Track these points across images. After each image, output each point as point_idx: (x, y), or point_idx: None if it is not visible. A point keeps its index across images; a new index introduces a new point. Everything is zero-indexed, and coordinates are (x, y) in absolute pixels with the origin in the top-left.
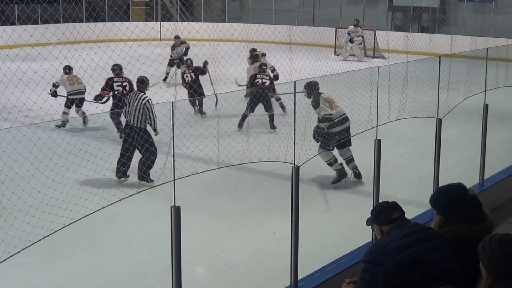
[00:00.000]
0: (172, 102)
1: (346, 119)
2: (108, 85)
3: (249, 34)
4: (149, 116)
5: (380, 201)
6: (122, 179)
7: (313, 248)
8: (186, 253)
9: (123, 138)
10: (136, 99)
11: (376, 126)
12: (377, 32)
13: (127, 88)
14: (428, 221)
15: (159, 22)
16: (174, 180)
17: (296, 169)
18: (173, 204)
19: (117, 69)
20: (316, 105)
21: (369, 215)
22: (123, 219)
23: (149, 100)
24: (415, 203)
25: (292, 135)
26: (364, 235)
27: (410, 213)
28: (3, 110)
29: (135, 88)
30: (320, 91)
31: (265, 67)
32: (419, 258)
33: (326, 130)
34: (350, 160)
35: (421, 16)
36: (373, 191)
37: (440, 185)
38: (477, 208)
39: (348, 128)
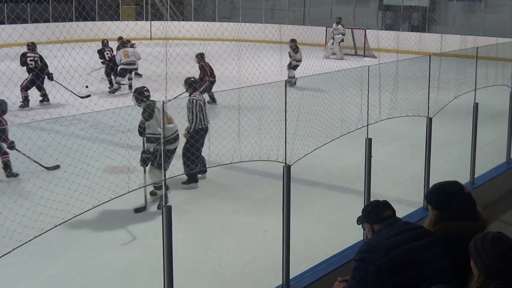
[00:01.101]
0: (163, 101)
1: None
2: (22, 61)
3: (240, 33)
4: (187, 115)
5: (371, 200)
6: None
7: (305, 247)
8: (177, 253)
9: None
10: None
11: (367, 125)
12: (367, 31)
13: (38, 62)
14: (419, 220)
15: (150, 21)
16: (164, 180)
17: (287, 168)
18: (164, 203)
19: (31, 45)
20: (146, 118)
21: (360, 214)
22: (114, 219)
23: (192, 100)
24: (406, 202)
25: (283, 134)
26: (355, 234)
27: (401, 212)
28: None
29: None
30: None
31: None
32: (411, 257)
33: (157, 150)
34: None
35: (411, 15)
36: (364, 190)
37: (430, 184)
38: (472, 206)
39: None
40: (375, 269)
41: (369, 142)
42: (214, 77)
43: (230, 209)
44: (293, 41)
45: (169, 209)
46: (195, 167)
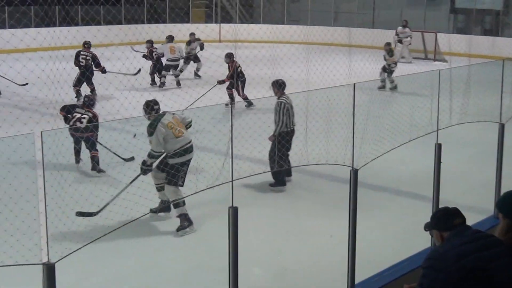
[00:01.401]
0: (231, 104)
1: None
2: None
3: (308, 36)
4: (274, 117)
5: (439, 206)
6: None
7: (371, 253)
8: (242, 254)
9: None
10: None
11: (437, 130)
12: (438, 34)
13: (90, 62)
14: (489, 228)
15: (219, 24)
16: (232, 181)
17: (355, 172)
18: (231, 204)
19: (86, 44)
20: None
21: (428, 221)
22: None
23: (280, 103)
24: (476, 210)
25: (351, 138)
26: (423, 241)
27: (471, 220)
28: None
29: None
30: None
31: None
32: (482, 266)
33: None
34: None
35: (484, 18)
36: (433, 196)
37: (502, 192)
38: None
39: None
40: (445, 278)
41: (438, 147)
42: (243, 76)
43: (296, 212)
44: (388, 44)
45: (235, 210)
46: (280, 168)
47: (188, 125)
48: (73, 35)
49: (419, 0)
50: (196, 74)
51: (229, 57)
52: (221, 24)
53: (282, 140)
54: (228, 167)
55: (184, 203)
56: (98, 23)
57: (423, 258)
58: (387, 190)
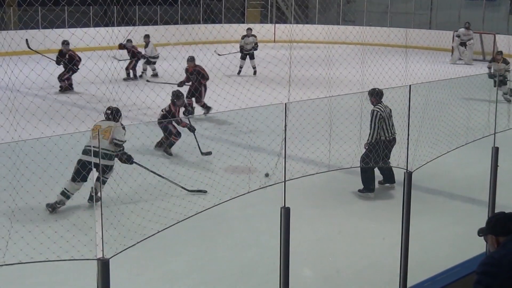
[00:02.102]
0: (286, 104)
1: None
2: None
3: (364, 36)
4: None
5: (495, 211)
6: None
7: (424, 256)
8: (294, 254)
9: None
10: None
11: (494, 133)
12: (497, 36)
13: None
14: None
15: (274, 24)
16: (284, 181)
17: (409, 175)
18: (283, 205)
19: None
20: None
21: (483, 225)
22: (233, 218)
23: (373, 112)
24: None
25: (405, 140)
26: (477, 246)
27: None
28: (124, 108)
29: None
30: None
31: None
32: None
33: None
34: None
35: None
36: (489, 201)
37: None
38: None
39: None
40: (500, 284)
41: (495, 151)
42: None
43: (348, 214)
44: (499, 53)
45: (287, 211)
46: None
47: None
48: (131, 35)
49: (478, 1)
50: (254, 73)
51: (192, 60)
52: (276, 25)
53: (377, 149)
54: (281, 167)
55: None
56: (156, 23)
57: (477, 264)
58: (442, 194)
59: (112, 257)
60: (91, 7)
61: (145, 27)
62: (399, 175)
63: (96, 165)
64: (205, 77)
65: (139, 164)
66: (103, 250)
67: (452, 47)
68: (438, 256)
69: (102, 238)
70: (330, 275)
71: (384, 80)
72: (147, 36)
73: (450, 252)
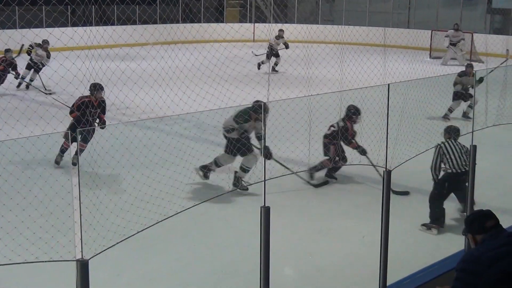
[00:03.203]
0: (265, 103)
1: None
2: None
3: (343, 36)
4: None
5: (474, 209)
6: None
7: (403, 254)
8: (274, 254)
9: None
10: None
11: (472, 132)
12: (474, 35)
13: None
14: None
15: (253, 24)
16: (264, 180)
17: (388, 173)
18: (263, 204)
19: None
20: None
21: (461, 222)
22: (214, 217)
23: (436, 146)
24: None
25: (385, 139)
26: (456, 243)
27: (506, 223)
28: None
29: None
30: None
31: None
32: None
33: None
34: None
35: None
36: (467, 199)
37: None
38: None
39: None
40: (484, 283)
41: (473, 149)
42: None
43: (329, 213)
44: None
45: (267, 210)
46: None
47: None
48: (109, 35)
49: (456, 0)
50: (273, 69)
51: (100, 90)
52: (255, 24)
53: (444, 183)
54: (261, 167)
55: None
56: (134, 23)
57: (456, 261)
58: (421, 192)
59: (91, 258)
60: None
61: (123, 26)
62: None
63: None
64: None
65: None
66: (82, 251)
67: (448, 48)
68: (418, 254)
69: (81, 239)
70: (310, 273)
71: (363, 79)
72: (46, 42)
73: (429, 250)
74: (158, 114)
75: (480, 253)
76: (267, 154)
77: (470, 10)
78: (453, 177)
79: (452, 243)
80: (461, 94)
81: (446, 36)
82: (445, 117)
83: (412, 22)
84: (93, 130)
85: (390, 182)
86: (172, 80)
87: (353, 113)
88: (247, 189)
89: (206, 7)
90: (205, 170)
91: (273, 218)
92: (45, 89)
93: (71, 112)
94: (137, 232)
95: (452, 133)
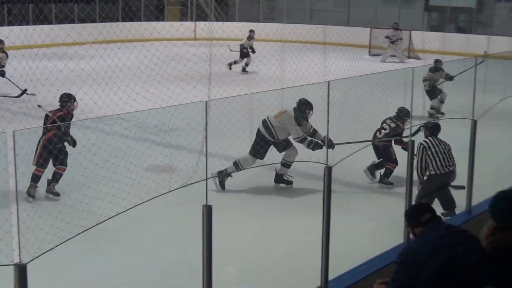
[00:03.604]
0: (206, 102)
1: None
2: None
3: (284, 34)
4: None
5: (413, 203)
6: None
7: (345, 249)
8: (217, 253)
9: None
10: None
11: (410, 127)
12: (412, 32)
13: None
14: (461, 223)
15: (194, 22)
16: (206, 179)
17: (329, 170)
18: (205, 203)
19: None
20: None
21: (401, 217)
22: (155, 217)
23: (419, 144)
24: None
25: (325, 135)
26: (396, 237)
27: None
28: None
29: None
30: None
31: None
32: (455, 261)
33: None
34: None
35: (457, 16)
36: (406, 193)
37: (474, 188)
38: None
39: None
40: (425, 276)
41: (412, 144)
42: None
43: (271, 210)
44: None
45: (209, 208)
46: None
47: None
48: (46, 34)
49: None
50: (244, 70)
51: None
52: (196, 22)
53: (431, 184)
54: (202, 165)
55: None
56: (72, 21)
57: (396, 254)
58: (361, 187)
59: (29, 261)
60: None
61: (61, 25)
62: (319, 170)
63: None
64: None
65: None
66: (20, 255)
67: (388, 46)
68: (358, 248)
69: (19, 242)
70: (253, 271)
71: (303, 76)
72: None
73: (369, 244)
74: (98, 114)
75: (419, 246)
76: (331, 144)
77: (408, 8)
78: (439, 178)
79: (392, 237)
80: (432, 90)
81: (386, 37)
82: (432, 116)
83: (351, 20)
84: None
85: (331, 178)
86: (112, 79)
87: (405, 113)
88: (292, 183)
89: (146, 5)
90: (223, 176)
91: (216, 216)
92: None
93: (48, 130)
94: (77, 234)
95: (433, 129)
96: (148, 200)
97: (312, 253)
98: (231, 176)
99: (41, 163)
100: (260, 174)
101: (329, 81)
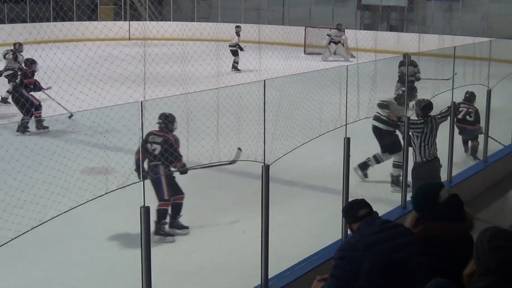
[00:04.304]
0: (141, 102)
1: None
2: None
3: (219, 33)
4: None
5: (349, 199)
6: None
7: (284, 247)
8: (155, 253)
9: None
10: None
11: (346, 125)
12: (346, 31)
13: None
14: (397, 218)
15: (128, 22)
16: (143, 180)
17: (266, 168)
18: (143, 204)
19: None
20: None
21: (339, 213)
22: (92, 220)
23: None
24: (384, 201)
25: (262, 134)
26: (334, 233)
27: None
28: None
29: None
30: None
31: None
32: (391, 255)
33: None
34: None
35: (389, 15)
36: (343, 189)
37: (407, 183)
38: (457, 207)
39: None
40: (364, 272)
41: (347, 141)
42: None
43: (209, 210)
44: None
45: (147, 210)
46: None
47: None
48: None
49: None
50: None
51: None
52: (130, 22)
53: (420, 170)
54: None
55: None
56: (1, 22)
57: (334, 250)
58: (299, 185)
59: None
60: None
61: None
62: (257, 169)
63: None
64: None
65: None
66: None
67: (327, 45)
68: (298, 246)
69: None
70: (193, 271)
71: (239, 75)
72: None
73: (308, 241)
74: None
75: (356, 241)
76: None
77: (342, 7)
78: (427, 165)
79: (330, 233)
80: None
81: (328, 35)
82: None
83: (286, 19)
84: None
85: (268, 176)
86: (44, 80)
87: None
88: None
89: (77, 4)
90: (364, 167)
91: (153, 217)
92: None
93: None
94: (11, 240)
95: (425, 109)
96: (84, 203)
97: (252, 252)
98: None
99: None
100: (197, 174)
101: (264, 80)
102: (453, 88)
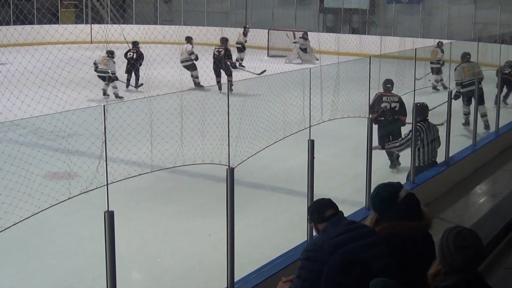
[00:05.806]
0: (104, 105)
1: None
2: None
3: (181, 36)
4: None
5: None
6: None
7: (250, 250)
8: (120, 258)
9: None
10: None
11: (309, 127)
12: (308, 33)
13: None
14: (362, 219)
15: (90, 25)
16: (107, 184)
17: (231, 171)
18: (107, 209)
19: None
20: None
21: (304, 215)
22: (56, 226)
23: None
24: (349, 202)
25: (226, 137)
26: (300, 235)
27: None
28: None
29: None
30: None
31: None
32: (357, 255)
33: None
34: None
35: (351, 17)
36: (308, 191)
37: (372, 184)
38: (415, 206)
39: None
40: (327, 271)
41: (311, 143)
42: None
43: (174, 213)
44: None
45: (111, 214)
46: None
47: None
48: None
49: (290, 0)
50: (241, 65)
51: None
52: (92, 25)
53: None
54: (103, 171)
55: None
56: None
57: (300, 252)
58: (264, 187)
59: None
60: None
61: None
62: (222, 172)
63: None
64: None
65: None
66: None
67: (294, 49)
68: (264, 248)
69: None
70: (158, 275)
71: (202, 79)
72: None
73: (274, 243)
74: None
75: (322, 241)
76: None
77: (304, 9)
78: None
79: (296, 235)
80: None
81: (294, 42)
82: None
83: (249, 22)
84: None
85: (233, 179)
86: (4, 85)
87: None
88: None
89: (37, 8)
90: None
91: (118, 222)
92: None
93: None
94: None
95: (422, 111)
96: (47, 208)
97: (217, 255)
98: None
99: None
100: (161, 178)
101: (228, 82)
102: (415, 89)
